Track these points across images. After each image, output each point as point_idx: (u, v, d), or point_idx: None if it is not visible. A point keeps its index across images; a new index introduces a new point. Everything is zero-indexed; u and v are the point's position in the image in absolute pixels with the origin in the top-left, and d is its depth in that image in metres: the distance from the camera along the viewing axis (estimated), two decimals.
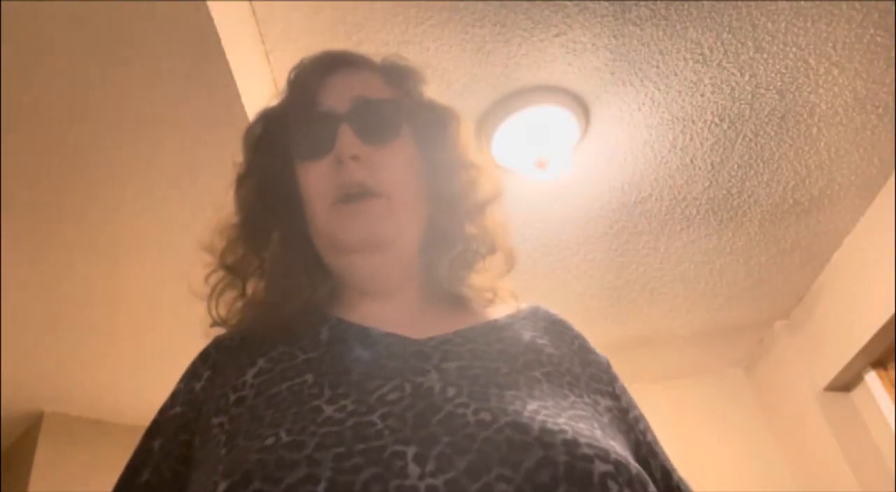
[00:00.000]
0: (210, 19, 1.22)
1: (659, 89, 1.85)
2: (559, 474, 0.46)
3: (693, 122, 1.96)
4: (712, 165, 2.11)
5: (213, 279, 0.71)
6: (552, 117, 1.85)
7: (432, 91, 0.79)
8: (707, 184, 2.18)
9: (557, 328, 0.71)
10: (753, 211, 2.30)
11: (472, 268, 0.73)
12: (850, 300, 2.50)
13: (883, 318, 2.29)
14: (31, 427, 2.40)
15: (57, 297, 1.87)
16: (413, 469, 0.46)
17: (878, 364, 2.55)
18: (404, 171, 0.69)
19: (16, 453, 2.46)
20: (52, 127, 1.40)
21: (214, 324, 0.70)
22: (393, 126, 0.71)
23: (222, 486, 0.46)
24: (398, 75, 0.76)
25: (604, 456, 0.48)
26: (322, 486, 0.45)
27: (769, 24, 1.70)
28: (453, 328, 0.65)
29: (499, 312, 0.71)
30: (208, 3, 1.20)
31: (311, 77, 0.72)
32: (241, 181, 0.74)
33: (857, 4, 1.67)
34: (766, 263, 2.55)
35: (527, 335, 0.67)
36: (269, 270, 0.70)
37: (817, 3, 1.66)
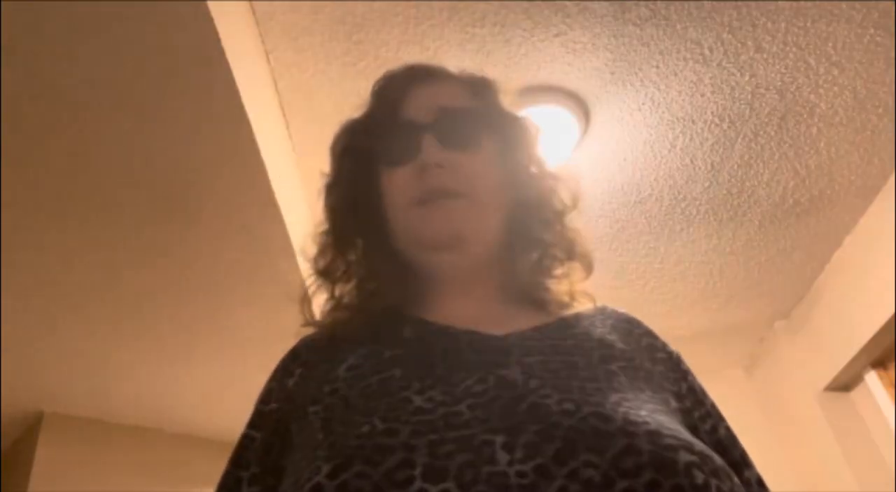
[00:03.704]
0: (210, 19, 1.22)
1: (659, 89, 1.85)
2: (643, 462, 0.46)
3: (693, 122, 1.96)
4: (712, 165, 2.11)
5: (307, 283, 0.75)
6: (552, 117, 1.85)
7: None
8: (707, 184, 2.18)
9: (624, 326, 0.72)
10: (753, 211, 2.30)
11: (551, 274, 0.75)
12: (850, 300, 2.50)
13: (883, 318, 2.29)
14: (31, 427, 2.39)
15: (57, 296, 1.87)
16: (502, 456, 0.48)
17: (878, 364, 2.55)
18: (485, 175, 0.72)
19: (16, 453, 2.45)
20: (51, 126, 1.40)
21: (306, 324, 0.74)
22: (474, 134, 0.73)
23: (326, 468, 0.49)
24: (478, 85, 0.80)
25: (688, 447, 0.49)
26: (418, 470, 0.47)
27: (769, 24, 1.70)
28: (529, 325, 0.67)
29: (569, 311, 0.73)
30: (208, 3, 1.20)
31: (396, 89, 0.76)
32: (329, 190, 0.78)
33: (857, 4, 1.67)
34: (766, 263, 2.55)
35: (596, 332, 0.68)
36: (355, 273, 0.74)
37: (817, 3, 1.66)
